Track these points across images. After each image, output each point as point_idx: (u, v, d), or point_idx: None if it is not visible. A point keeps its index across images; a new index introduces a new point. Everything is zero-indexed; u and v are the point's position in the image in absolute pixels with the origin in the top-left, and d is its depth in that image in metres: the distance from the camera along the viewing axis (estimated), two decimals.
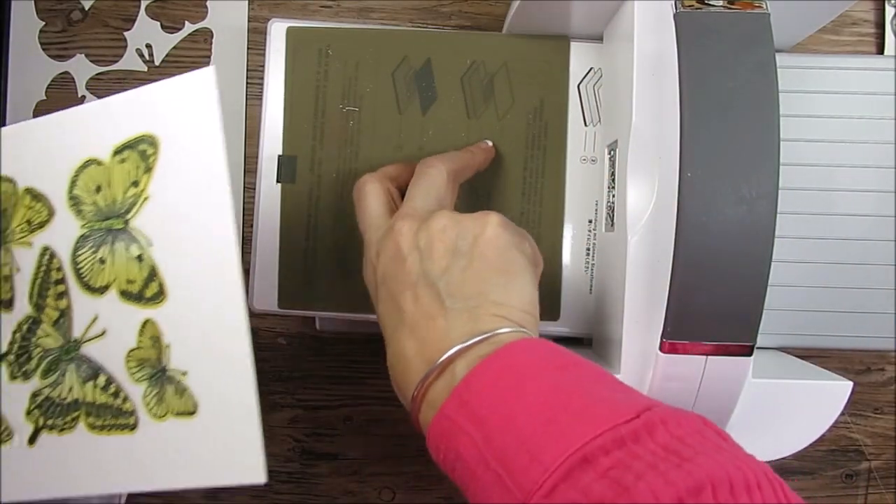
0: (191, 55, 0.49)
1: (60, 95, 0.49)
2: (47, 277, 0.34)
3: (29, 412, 0.34)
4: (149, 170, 0.32)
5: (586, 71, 0.44)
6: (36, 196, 0.34)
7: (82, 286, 0.33)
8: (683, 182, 0.33)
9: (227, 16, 0.49)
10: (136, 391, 0.32)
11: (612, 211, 0.40)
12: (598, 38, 0.43)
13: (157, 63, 0.49)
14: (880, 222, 0.42)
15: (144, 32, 0.49)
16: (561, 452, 0.25)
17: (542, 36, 0.43)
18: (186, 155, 0.31)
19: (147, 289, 0.32)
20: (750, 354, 0.34)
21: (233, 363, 0.30)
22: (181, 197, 0.31)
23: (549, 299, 0.44)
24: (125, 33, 0.49)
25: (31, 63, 0.48)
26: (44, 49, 0.49)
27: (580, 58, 0.44)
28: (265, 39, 0.45)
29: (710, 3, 0.34)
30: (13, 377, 0.34)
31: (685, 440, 0.26)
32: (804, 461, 0.51)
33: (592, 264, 0.44)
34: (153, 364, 0.32)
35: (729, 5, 0.34)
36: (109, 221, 0.33)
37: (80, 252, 0.33)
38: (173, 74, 0.48)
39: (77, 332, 0.33)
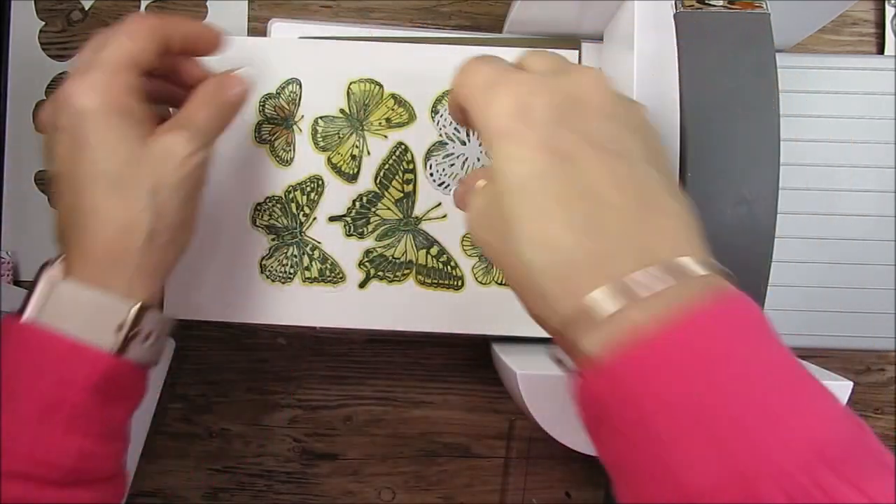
0: None
1: None
2: (397, 165, 0.42)
3: (360, 263, 0.42)
4: None
5: None
6: (400, 101, 0.42)
7: (430, 179, 0.42)
8: (683, 182, 0.33)
9: (227, 16, 0.49)
10: (466, 263, 0.42)
11: None
12: (599, 38, 0.43)
13: None
14: (880, 222, 0.42)
15: None
16: (804, 437, 0.21)
17: (543, 36, 0.43)
18: None
19: None
20: None
21: None
22: None
23: None
24: None
25: (31, 63, 0.48)
26: (44, 49, 0.49)
27: (580, 58, 0.43)
28: None
29: (710, 3, 0.34)
30: (348, 235, 0.42)
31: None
32: None
33: None
34: None
35: (729, 5, 0.34)
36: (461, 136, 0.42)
37: (432, 154, 0.42)
38: None
39: (418, 212, 0.42)
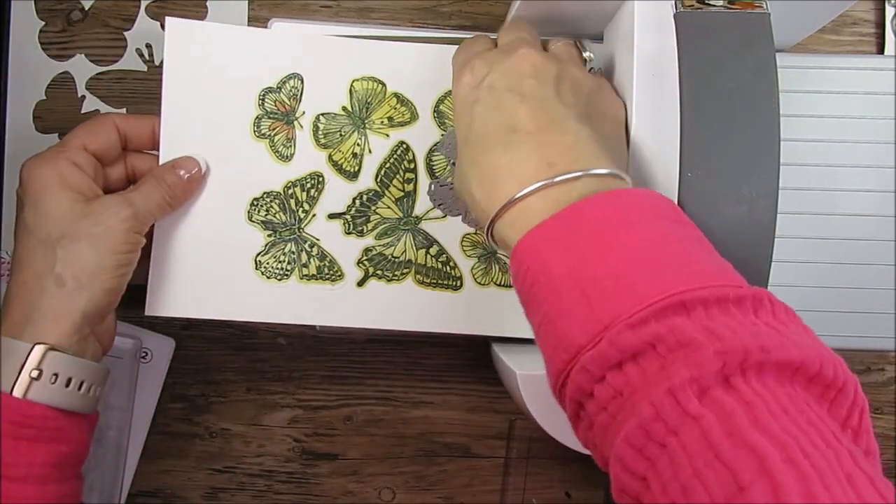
0: None
1: (60, 95, 0.49)
2: (398, 164, 0.42)
3: (359, 262, 0.42)
4: None
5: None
6: (402, 101, 0.41)
7: (432, 178, 0.42)
8: (683, 182, 0.33)
9: (227, 16, 0.49)
10: (466, 263, 0.42)
11: None
12: (599, 39, 0.43)
13: (157, 63, 0.49)
14: (880, 222, 0.42)
15: (144, 32, 0.49)
16: (660, 291, 0.26)
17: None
18: None
19: None
20: None
21: None
22: None
23: None
24: (125, 33, 0.49)
25: (31, 63, 0.48)
26: (44, 49, 0.49)
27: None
28: None
29: (710, 3, 0.34)
30: (347, 232, 0.41)
31: (786, 326, 0.26)
32: None
33: None
34: (485, 247, 0.42)
35: (729, 5, 0.34)
36: None
37: (435, 153, 0.42)
38: None
39: (418, 211, 0.42)
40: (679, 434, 0.23)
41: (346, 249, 0.41)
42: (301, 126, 0.41)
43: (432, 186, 0.42)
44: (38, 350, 0.34)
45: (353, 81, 0.41)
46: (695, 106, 0.33)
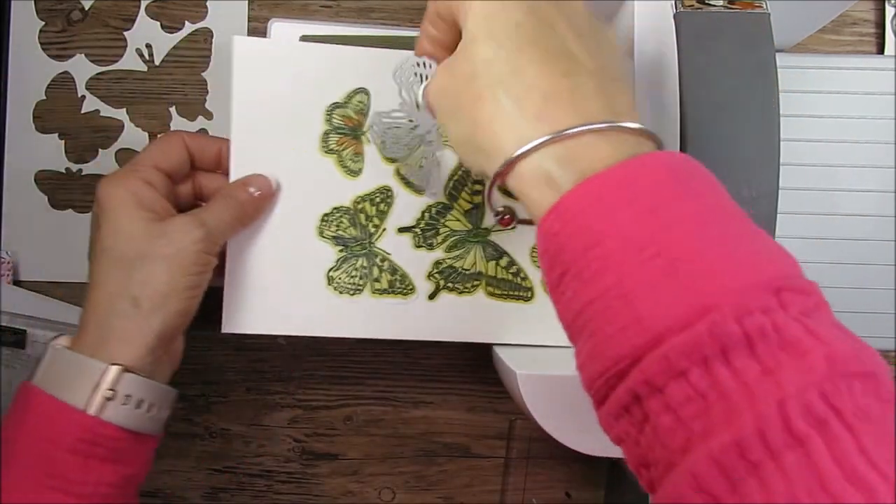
0: (191, 55, 0.49)
1: (60, 95, 0.49)
2: (466, 176, 0.42)
3: (430, 275, 0.42)
4: None
5: None
6: None
7: (501, 191, 0.39)
8: None
9: (227, 16, 0.49)
10: (536, 274, 0.42)
11: None
12: None
13: (157, 63, 0.49)
14: (880, 222, 0.42)
15: (144, 32, 0.49)
16: (763, 274, 0.22)
17: None
18: None
19: None
20: None
21: None
22: None
23: None
24: (125, 33, 0.49)
25: (31, 63, 0.48)
26: (44, 49, 0.49)
27: None
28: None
29: (710, 3, 0.34)
30: (417, 246, 0.42)
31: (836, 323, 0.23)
32: None
33: None
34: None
35: (729, 5, 0.34)
36: None
37: None
38: (173, 74, 0.49)
39: (487, 223, 0.42)
40: (780, 457, 0.20)
41: (416, 263, 0.42)
42: (369, 140, 0.41)
43: (374, 119, 0.40)
44: (114, 371, 0.34)
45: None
46: (695, 106, 0.33)
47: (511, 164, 0.26)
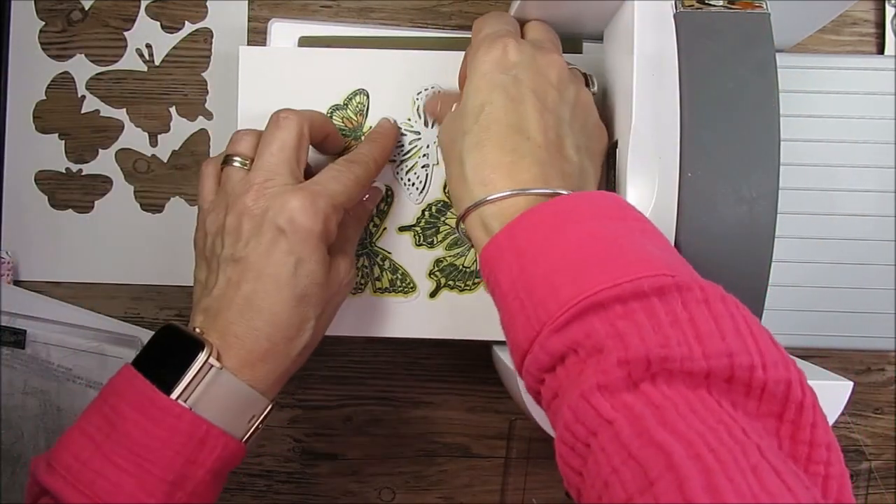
0: (191, 55, 0.49)
1: (60, 95, 0.49)
2: None
3: (431, 273, 0.42)
4: None
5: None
6: None
7: None
8: (683, 182, 0.33)
9: (227, 16, 0.49)
10: None
11: None
12: (599, 39, 0.43)
13: (157, 63, 0.49)
14: (880, 222, 0.42)
15: (144, 32, 0.49)
16: (581, 291, 0.27)
17: None
18: None
19: None
20: None
21: None
22: None
23: None
24: (125, 33, 0.49)
25: (31, 63, 0.48)
26: (44, 49, 0.49)
27: (579, 58, 0.43)
28: (265, 40, 0.45)
29: (710, 3, 0.34)
30: (418, 244, 0.42)
31: (717, 319, 0.26)
32: None
33: None
34: None
35: (729, 5, 0.34)
36: None
37: None
38: (173, 74, 0.49)
39: None
40: (598, 435, 0.25)
41: (417, 261, 0.42)
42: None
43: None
44: (269, 407, 0.36)
45: (418, 94, 0.42)
46: (695, 106, 0.33)
47: (465, 214, 0.33)
